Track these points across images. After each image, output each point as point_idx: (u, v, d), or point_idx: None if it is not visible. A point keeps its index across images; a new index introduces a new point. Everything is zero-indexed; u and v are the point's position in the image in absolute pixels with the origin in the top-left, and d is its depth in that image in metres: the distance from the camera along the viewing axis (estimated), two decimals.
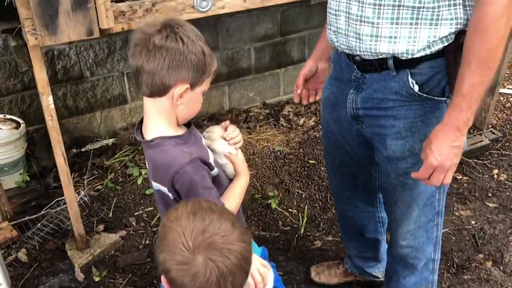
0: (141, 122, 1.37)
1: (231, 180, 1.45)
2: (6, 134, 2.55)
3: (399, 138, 1.49)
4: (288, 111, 3.57)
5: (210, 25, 3.20)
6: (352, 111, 1.57)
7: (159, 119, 1.31)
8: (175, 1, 1.95)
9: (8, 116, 2.70)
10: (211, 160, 1.36)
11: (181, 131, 1.34)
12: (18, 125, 2.65)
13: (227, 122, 1.47)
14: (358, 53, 1.44)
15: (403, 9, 1.32)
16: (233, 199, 1.40)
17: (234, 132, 1.44)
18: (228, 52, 3.37)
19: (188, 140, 1.33)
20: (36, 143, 2.92)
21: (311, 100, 1.80)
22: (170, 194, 1.31)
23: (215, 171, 1.36)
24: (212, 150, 1.41)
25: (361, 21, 1.38)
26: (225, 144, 1.43)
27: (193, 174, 1.26)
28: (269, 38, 3.49)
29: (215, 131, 1.44)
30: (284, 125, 3.42)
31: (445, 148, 1.32)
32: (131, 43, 1.25)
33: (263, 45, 3.49)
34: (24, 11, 1.69)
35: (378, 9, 1.34)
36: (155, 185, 1.35)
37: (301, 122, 3.46)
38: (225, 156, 1.42)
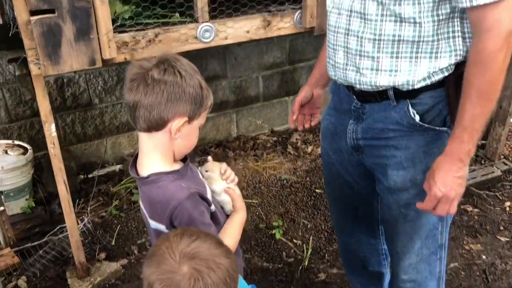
0: (135, 158, 1.35)
1: (227, 216, 1.43)
2: (13, 160, 2.58)
3: (401, 169, 1.46)
4: (296, 139, 3.55)
5: (218, 53, 3.23)
6: (352, 141, 1.55)
7: (155, 155, 1.29)
8: (178, 32, 1.97)
9: (16, 142, 2.74)
10: (209, 196, 1.34)
11: (177, 166, 1.32)
12: (25, 151, 2.69)
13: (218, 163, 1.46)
14: (358, 86, 1.43)
15: (402, 43, 1.31)
16: (232, 236, 1.37)
17: (228, 170, 1.43)
18: (236, 80, 3.39)
19: (185, 174, 1.31)
20: (43, 169, 2.94)
21: (307, 126, 1.79)
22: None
23: (213, 207, 1.34)
24: (212, 191, 1.39)
25: (360, 55, 1.37)
26: (224, 182, 1.42)
27: (192, 209, 1.23)
28: (278, 66, 3.50)
29: (215, 170, 1.43)
30: (292, 153, 3.40)
31: (448, 179, 1.31)
32: (127, 78, 1.25)
33: (272, 73, 3.51)
34: (28, 41, 1.73)
35: (378, 43, 1.33)
36: (152, 224, 1.31)
37: (309, 150, 3.43)
38: (225, 191, 1.41)
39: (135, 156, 1.35)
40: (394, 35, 1.31)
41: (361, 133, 1.51)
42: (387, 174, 1.49)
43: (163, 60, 1.23)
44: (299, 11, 2.17)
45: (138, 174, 1.32)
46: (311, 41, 3.48)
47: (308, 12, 2.15)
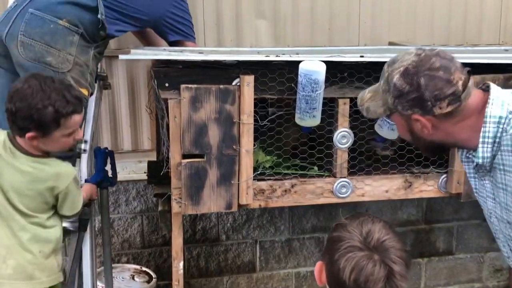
0: None
1: None
2: (138, 287, 2.64)
3: None
4: None
5: (348, 204, 3.14)
6: None
7: None
8: (314, 185, 1.97)
9: (143, 269, 2.83)
10: None
11: None
12: (150, 279, 2.74)
13: None
14: None
15: None
16: None
17: None
18: None
19: None
20: None
21: None
22: None
23: None
24: None
25: None
26: None
27: None
28: (412, 224, 3.28)
29: None
30: None
31: None
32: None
33: (405, 231, 3.27)
34: (175, 181, 1.85)
35: None
36: None
37: None
38: None
39: None
40: None
41: None
42: None
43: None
44: (444, 175, 2.05)
45: None
46: (452, 202, 3.24)
47: (455, 177, 2.01)
